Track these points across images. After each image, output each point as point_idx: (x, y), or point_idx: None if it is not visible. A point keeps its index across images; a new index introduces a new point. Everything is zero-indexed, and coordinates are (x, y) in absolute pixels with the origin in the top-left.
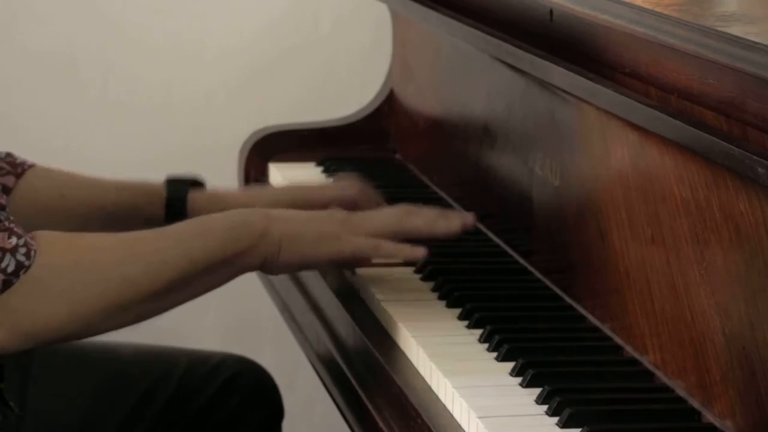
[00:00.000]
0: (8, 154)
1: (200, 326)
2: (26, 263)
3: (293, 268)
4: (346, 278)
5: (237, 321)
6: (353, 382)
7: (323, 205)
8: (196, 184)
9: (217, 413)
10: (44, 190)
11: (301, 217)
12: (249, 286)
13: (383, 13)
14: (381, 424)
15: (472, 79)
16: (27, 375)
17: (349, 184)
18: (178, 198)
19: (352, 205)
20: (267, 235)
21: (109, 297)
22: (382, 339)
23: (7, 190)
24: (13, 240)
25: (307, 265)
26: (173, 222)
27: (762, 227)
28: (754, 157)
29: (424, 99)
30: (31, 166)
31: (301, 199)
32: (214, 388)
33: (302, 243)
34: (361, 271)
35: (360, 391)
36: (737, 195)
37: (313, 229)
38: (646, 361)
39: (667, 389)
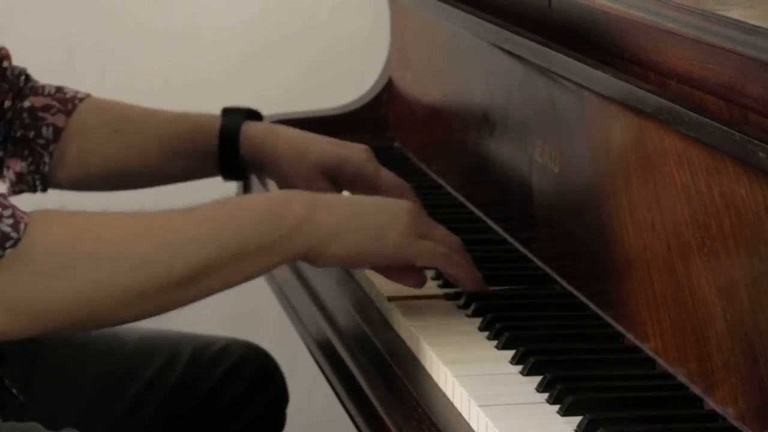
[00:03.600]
0: (58, 89)
1: (201, 313)
2: (13, 235)
3: (343, 263)
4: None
5: (237, 308)
6: (353, 371)
7: (370, 182)
8: (254, 116)
9: (221, 398)
10: (96, 126)
11: (356, 205)
12: None
13: (381, 0)
14: (381, 414)
15: (471, 66)
16: (33, 362)
17: (398, 183)
18: (231, 128)
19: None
20: (309, 221)
21: (119, 279)
22: (382, 328)
23: (57, 131)
24: None
25: (361, 261)
26: (228, 153)
27: (763, 212)
28: (755, 142)
29: (423, 87)
30: (82, 99)
31: (349, 167)
32: (219, 373)
33: (358, 235)
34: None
35: (360, 381)
36: (738, 180)
37: (373, 220)
38: (647, 349)
39: (668, 376)
